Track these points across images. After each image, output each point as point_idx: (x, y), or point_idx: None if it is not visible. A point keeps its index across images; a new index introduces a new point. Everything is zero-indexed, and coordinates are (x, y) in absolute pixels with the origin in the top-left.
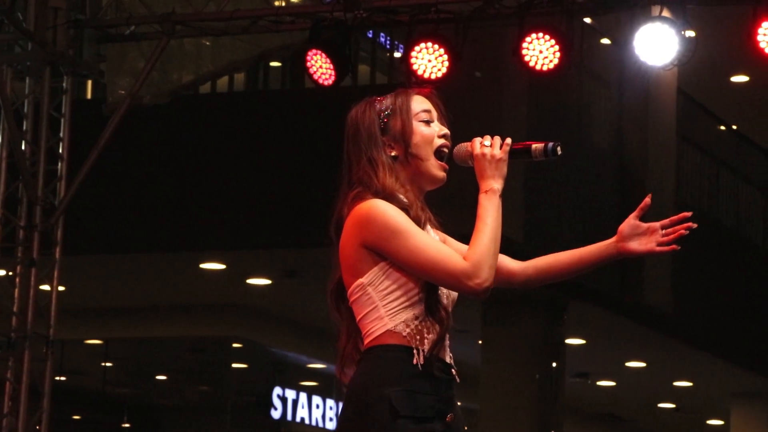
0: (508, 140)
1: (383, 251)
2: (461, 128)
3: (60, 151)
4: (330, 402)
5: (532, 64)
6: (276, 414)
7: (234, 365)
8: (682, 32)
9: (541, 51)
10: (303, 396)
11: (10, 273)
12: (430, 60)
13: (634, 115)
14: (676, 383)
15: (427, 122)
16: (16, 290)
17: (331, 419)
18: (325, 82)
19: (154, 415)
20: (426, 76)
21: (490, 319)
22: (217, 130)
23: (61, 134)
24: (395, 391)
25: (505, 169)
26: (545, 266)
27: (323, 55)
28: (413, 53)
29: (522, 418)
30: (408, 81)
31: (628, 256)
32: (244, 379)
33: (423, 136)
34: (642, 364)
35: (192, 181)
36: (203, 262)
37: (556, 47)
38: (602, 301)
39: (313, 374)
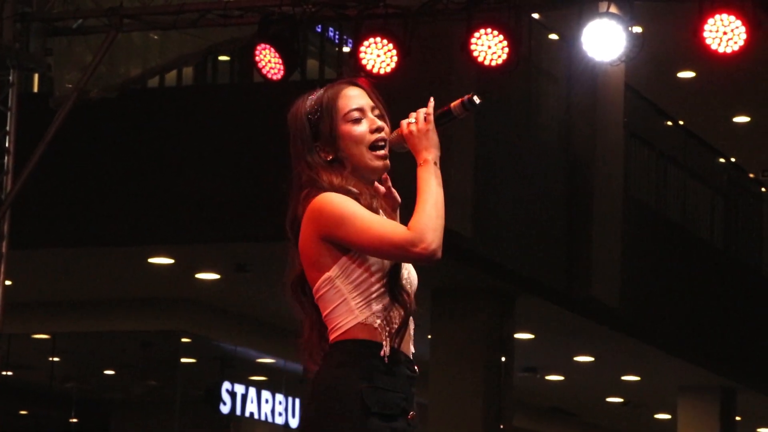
0: (428, 109)
1: (338, 239)
2: None
3: (6, 144)
4: (279, 397)
5: (480, 59)
6: (225, 409)
7: (183, 360)
8: (630, 28)
9: (489, 46)
10: (252, 391)
11: None
12: (378, 55)
13: (582, 110)
14: (624, 377)
15: (358, 120)
16: None
17: (280, 414)
18: (274, 77)
19: (102, 410)
20: (375, 71)
21: (439, 314)
22: (165, 124)
23: (8, 128)
24: (366, 388)
25: (435, 138)
26: None
27: (272, 49)
28: (362, 48)
29: (471, 413)
30: (357, 76)
31: None
32: (192, 373)
33: (352, 137)
34: (590, 359)
35: (140, 175)
36: (151, 256)
37: (505, 43)
38: (550, 295)
39: (262, 369)
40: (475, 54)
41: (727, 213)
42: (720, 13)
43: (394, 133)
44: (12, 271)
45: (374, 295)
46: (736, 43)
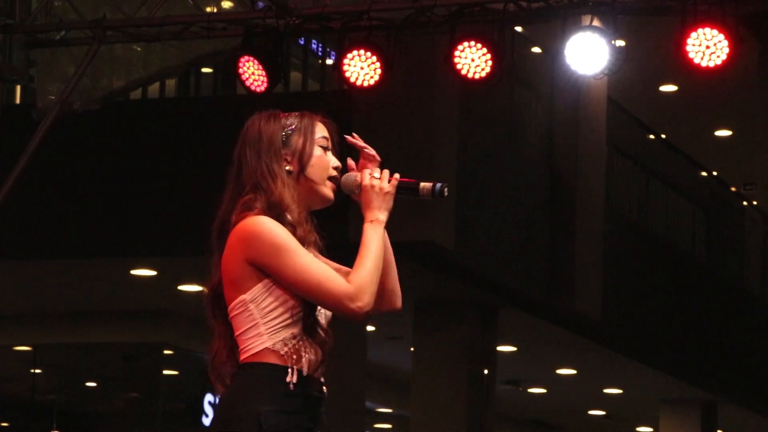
0: (397, 175)
1: (267, 269)
2: (394, 136)
3: None
4: None
5: (464, 72)
6: (207, 421)
7: (165, 372)
8: (612, 42)
9: (472, 59)
10: None
11: None
12: (362, 67)
13: (564, 123)
14: (606, 390)
15: (325, 149)
16: None
17: None
18: (257, 89)
19: (84, 422)
20: (359, 83)
21: (421, 326)
22: (148, 136)
23: None
24: (266, 411)
25: (391, 203)
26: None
27: (255, 61)
28: (346, 60)
29: (454, 425)
30: (340, 88)
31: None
32: (175, 385)
33: (320, 162)
34: (572, 372)
35: (122, 187)
36: (134, 268)
37: (488, 56)
38: (533, 308)
39: None
40: (458, 67)
41: (709, 226)
42: (703, 27)
43: (351, 175)
44: None
45: (286, 323)
46: (718, 57)
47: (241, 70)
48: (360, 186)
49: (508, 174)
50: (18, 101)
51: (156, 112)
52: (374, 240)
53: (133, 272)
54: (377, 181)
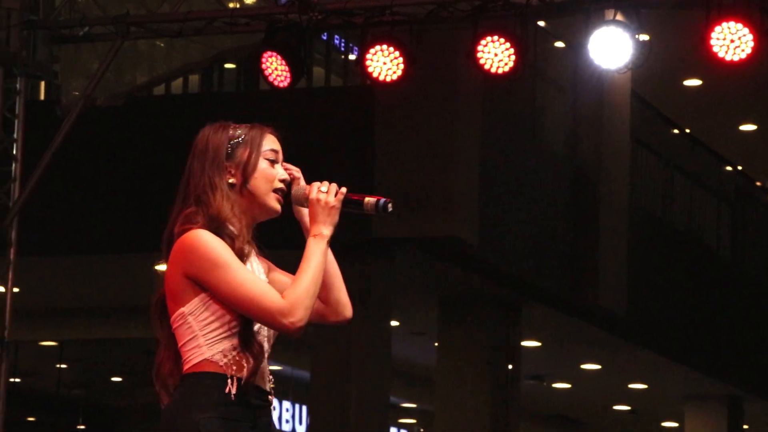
0: (343, 189)
1: (203, 283)
2: (416, 131)
3: (14, 152)
4: (286, 404)
5: (486, 67)
6: None
7: None
8: (636, 36)
9: (495, 54)
10: None
11: None
12: (385, 62)
13: (588, 118)
14: (631, 385)
15: (273, 162)
16: None
17: (287, 421)
18: (280, 84)
19: (109, 417)
20: (381, 78)
21: (446, 322)
22: (171, 131)
23: (15, 135)
24: (205, 418)
25: (336, 217)
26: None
27: (278, 57)
28: (368, 55)
29: (478, 420)
30: (363, 83)
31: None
32: None
33: (264, 174)
34: (597, 367)
35: (146, 183)
36: (158, 263)
37: (511, 50)
38: (557, 303)
39: None
40: (481, 61)
41: (734, 221)
42: (727, 21)
43: (301, 187)
44: (19, 278)
45: (224, 335)
46: (743, 50)
47: (264, 66)
48: (308, 198)
49: (531, 169)
50: (42, 97)
51: (179, 108)
52: (315, 255)
53: (157, 267)
54: (323, 195)
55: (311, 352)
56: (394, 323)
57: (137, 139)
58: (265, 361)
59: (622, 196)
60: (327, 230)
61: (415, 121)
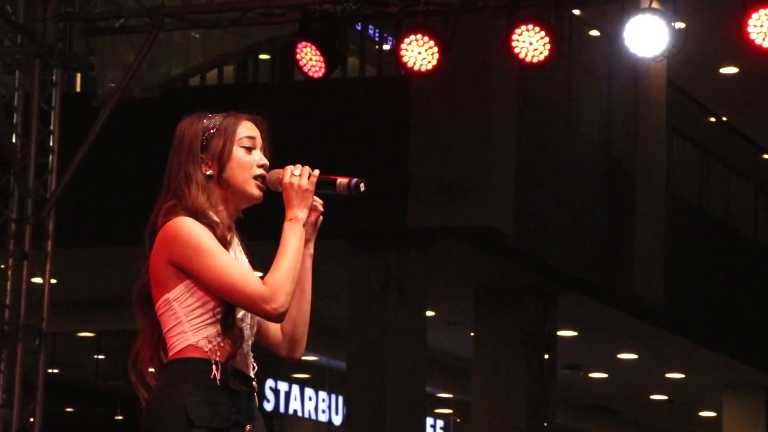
0: (316, 172)
1: (187, 269)
2: (451, 121)
3: (51, 143)
4: (322, 394)
5: (522, 56)
6: (269, 406)
7: None
8: (672, 24)
9: (530, 43)
10: (295, 388)
11: (2, 266)
12: (419, 52)
13: (623, 107)
14: (669, 375)
15: (249, 149)
16: (9, 283)
17: (323, 411)
18: (315, 75)
19: None
20: (416, 68)
21: (482, 311)
22: None
23: (52, 127)
24: (191, 402)
25: (310, 200)
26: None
27: (313, 47)
28: (403, 45)
29: (514, 410)
30: (398, 73)
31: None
32: None
33: (241, 163)
34: (634, 356)
35: None
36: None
37: (546, 39)
38: (593, 292)
39: (305, 367)
40: (516, 50)
41: None
42: (764, 8)
43: (275, 172)
44: (57, 269)
45: (208, 321)
46: None
47: (299, 56)
48: (282, 183)
49: (566, 158)
50: (78, 89)
51: (214, 99)
52: (292, 239)
53: None
54: (296, 178)
55: (347, 342)
56: (429, 313)
57: (173, 131)
58: (249, 347)
59: (658, 184)
60: (302, 213)
61: (450, 111)
